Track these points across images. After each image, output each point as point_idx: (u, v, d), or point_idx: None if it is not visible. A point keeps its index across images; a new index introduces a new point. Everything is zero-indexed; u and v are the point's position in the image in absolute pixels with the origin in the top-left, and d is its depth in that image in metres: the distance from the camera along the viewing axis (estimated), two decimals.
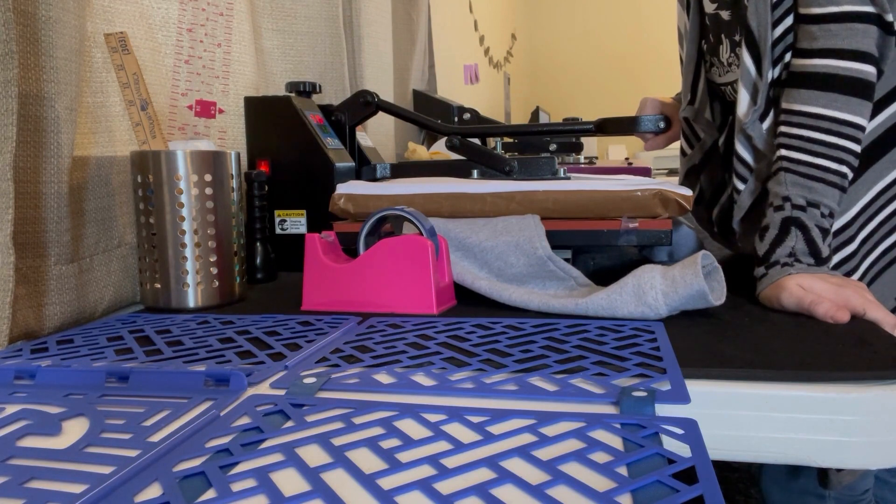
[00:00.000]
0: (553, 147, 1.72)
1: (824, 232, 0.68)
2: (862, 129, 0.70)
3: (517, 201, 0.77)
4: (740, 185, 0.81)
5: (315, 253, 0.69)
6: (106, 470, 0.34)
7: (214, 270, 0.72)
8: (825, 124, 0.69)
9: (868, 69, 0.68)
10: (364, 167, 1.03)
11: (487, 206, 0.78)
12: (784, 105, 0.73)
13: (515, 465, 0.33)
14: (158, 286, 0.70)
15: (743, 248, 0.88)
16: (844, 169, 0.69)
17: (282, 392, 0.46)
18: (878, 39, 0.69)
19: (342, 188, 0.83)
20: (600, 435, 0.37)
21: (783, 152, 0.71)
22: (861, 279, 0.79)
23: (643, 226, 0.73)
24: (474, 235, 0.73)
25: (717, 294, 0.61)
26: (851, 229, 0.78)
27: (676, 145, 1.04)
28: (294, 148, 0.91)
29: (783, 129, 0.72)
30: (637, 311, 0.60)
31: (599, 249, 0.91)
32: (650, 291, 0.60)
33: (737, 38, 0.83)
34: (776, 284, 0.66)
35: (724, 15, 0.84)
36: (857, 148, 0.69)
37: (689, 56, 0.90)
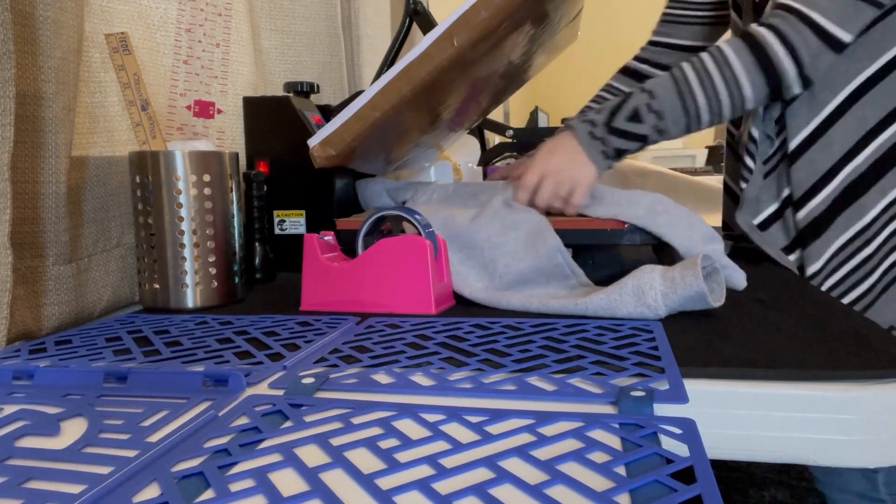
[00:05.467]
0: None
1: (634, 113, 0.76)
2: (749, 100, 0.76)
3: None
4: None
5: (314, 253, 0.69)
6: (104, 470, 0.34)
7: (213, 271, 0.71)
8: (728, 72, 0.75)
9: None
10: None
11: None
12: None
13: (514, 465, 0.33)
14: (157, 286, 0.70)
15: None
16: (704, 110, 0.76)
17: (280, 392, 0.46)
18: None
19: (312, 140, 0.78)
20: (599, 435, 0.37)
21: (694, 59, 0.77)
22: (876, 283, 0.80)
23: None
24: (483, 231, 0.72)
25: (716, 295, 0.61)
26: (870, 231, 0.79)
27: (674, 144, 1.03)
28: (293, 148, 0.91)
29: (721, 43, 0.77)
30: (636, 312, 0.60)
31: (602, 248, 0.90)
32: (650, 292, 0.60)
33: None
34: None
35: None
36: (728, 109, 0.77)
37: None
